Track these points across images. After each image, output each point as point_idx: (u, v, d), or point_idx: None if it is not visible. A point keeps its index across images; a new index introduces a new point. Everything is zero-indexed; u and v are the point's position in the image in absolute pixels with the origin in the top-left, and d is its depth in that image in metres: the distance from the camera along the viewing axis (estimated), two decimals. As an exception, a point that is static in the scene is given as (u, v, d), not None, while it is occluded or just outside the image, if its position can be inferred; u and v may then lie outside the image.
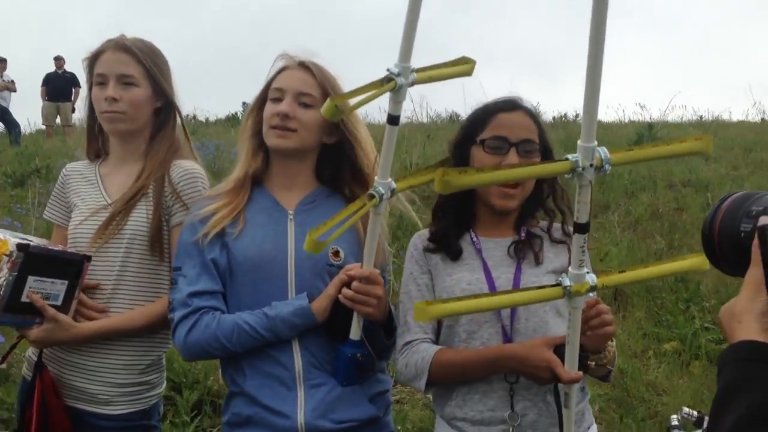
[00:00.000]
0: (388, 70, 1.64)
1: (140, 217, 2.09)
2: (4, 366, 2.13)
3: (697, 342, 4.92)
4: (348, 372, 1.85)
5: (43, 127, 15.24)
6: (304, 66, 1.97)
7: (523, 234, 1.90)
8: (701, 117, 14.97)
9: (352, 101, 1.68)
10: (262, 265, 1.90)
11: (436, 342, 1.88)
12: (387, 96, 1.66)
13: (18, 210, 7.51)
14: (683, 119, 14.57)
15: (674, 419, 1.68)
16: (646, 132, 11.33)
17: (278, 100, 1.93)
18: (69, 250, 2.06)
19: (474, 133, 1.88)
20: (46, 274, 1.96)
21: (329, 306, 1.84)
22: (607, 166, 1.40)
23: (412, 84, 1.67)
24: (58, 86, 14.53)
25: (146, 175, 2.12)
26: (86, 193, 2.19)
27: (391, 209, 1.99)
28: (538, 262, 1.86)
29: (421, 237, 1.95)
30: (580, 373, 1.65)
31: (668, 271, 1.60)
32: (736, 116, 15.78)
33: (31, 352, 2.18)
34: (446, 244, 1.90)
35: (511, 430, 1.76)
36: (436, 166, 1.88)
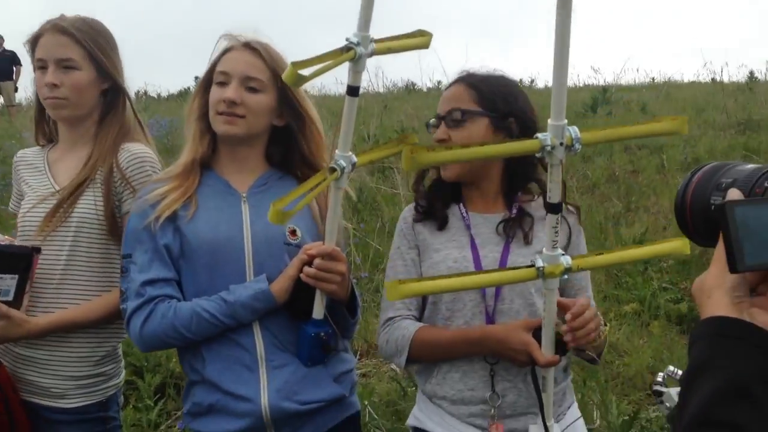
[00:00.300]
0: (347, 39, 1.60)
1: (88, 204, 2.02)
2: None
3: (656, 302, 5.00)
4: (312, 351, 1.83)
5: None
6: (250, 47, 1.89)
7: (514, 211, 1.86)
8: (653, 79, 15.18)
9: (311, 70, 1.62)
10: (219, 248, 1.84)
11: (419, 319, 1.87)
12: (344, 67, 1.63)
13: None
14: (636, 82, 14.76)
15: (659, 376, 1.68)
16: (601, 95, 11.44)
17: (224, 84, 1.86)
18: (17, 243, 1.98)
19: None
20: None
21: (290, 287, 1.80)
22: (577, 145, 1.38)
23: (372, 54, 1.63)
24: (-3, 66, 14.04)
25: (94, 161, 2.05)
26: (34, 180, 2.11)
27: (350, 181, 1.96)
28: (527, 241, 1.83)
29: (410, 210, 1.95)
30: (557, 357, 1.64)
31: (647, 255, 1.58)
32: (688, 77, 16.05)
33: None
34: (431, 213, 1.89)
35: (492, 411, 1.76)
36: (397, 140, 1.86)
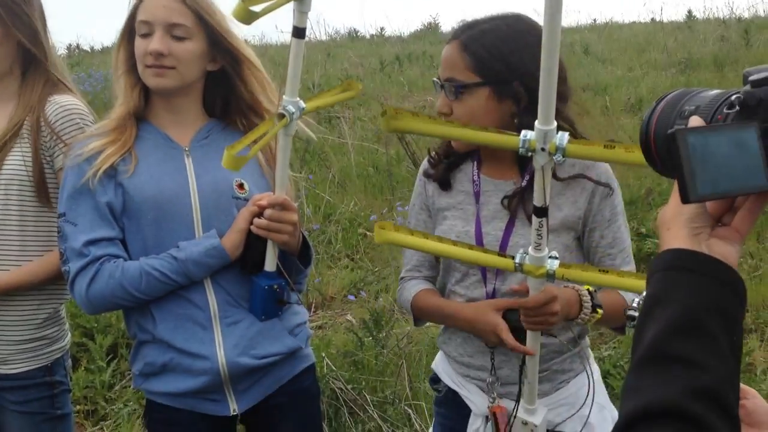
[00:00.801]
0: None
1: (16, 161, 1.91)
2: None
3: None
4: (266, 305, 1.80)
5: None
6: None
7: (524, 181, 1.69)
8: (595, 20, 15.23)
9: (262, 7, 1.55)
10: (164, 203, 1.76)
11: (436, 277, 1.88)
12: (287, 12, 1.57)
13: None
14: (578, 23, 14.78)
15: (634, 302, 1.66)
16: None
17: (147, 35, 1.74)
18: None
19: None
20: None
21: (242, 240, 1.75)
22: (559, 156, 1.31)
23: None
24: None
25: (19, 116, 1.92)
26: None
27: (296, 132, 1.89)
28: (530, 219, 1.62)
29: (425, 162, 1.87)
30: (529, 348, 1.60)
31: (623, 286, 1.52)
32: (629, 18, 16.17)
33: None
34: (436, 172, 1.80)
35: (490, 380, 1.74)
36: (343, 87, 1.80)
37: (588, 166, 1.67)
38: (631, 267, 1.73)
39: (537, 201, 1.42)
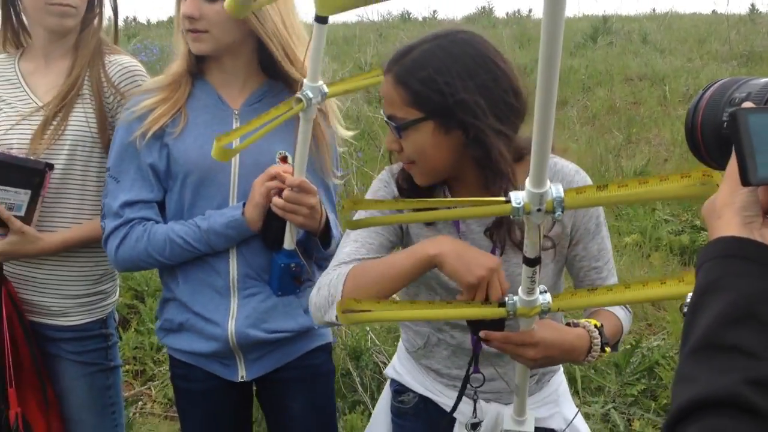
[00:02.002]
0: None
1: (79, 120, 1.92)
2: None
3: (657, 234, 4.99)
4: (282, 281, 1.80)
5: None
6: None
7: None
8: (654, 9, 14.89)
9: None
10: (204, 168, 1.75)
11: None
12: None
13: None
14: (638, 12, 14.46)
15: (690, 296, 1.57)
16: (601, 25, 11.22)
17: None
18: (32, 158, 1.88)
19: None
20: (9, 183, 1.83)
21: (261, 215, 1.73)
22: (558, 212, 1.20)
23: None
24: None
25: (78, 72, 1.93)
26: (9, 94, 1.97)
27: (347, 111, 1.86)
28: (521, 248, 1.41)
29: (392, 173, 1.62)
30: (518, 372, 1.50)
31: (644, 297, 1.36)
32: (690, 8, 15.77)
33: None
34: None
35: (474, 388, 1.61)
36: (370, 72, 1.71)
37: (569, 181, 1.53)
38: (615, 280, 1.61)
39: (529, 253, 1.30)
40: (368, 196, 1.63)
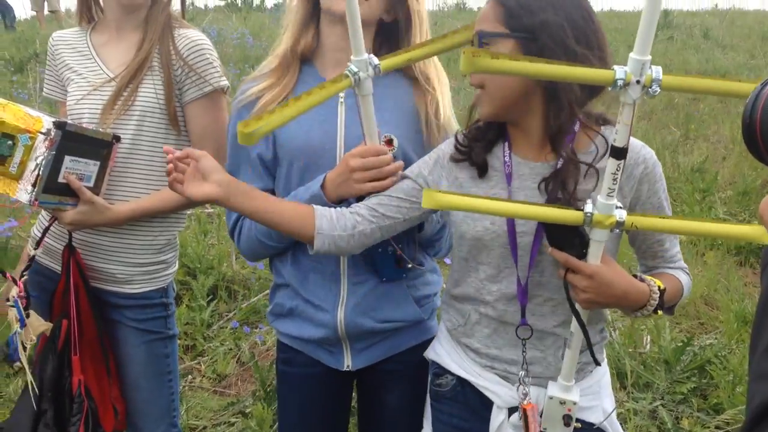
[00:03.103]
0: None
1: (148, 91, 1.96)
2: (39, 251, 2.07)
3: (713, 232, 4.87)
4: (383, 267, 1.77)
5: (35, 13, 14.70)
6: None
7: (560, 162, 1.51)
8: (716, 5, 14.52)
9: None
10: (310, 154, 1.74)
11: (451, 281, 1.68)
12: None
13: (20, 95, 7.34)
14: (700, 8, 14.12)
15: None
16: (662, 19, 10.99)
17: None
18: (101, 130, 1.94)
19: None
20: (80, 155, 1.87)
21: (340, 193, 1.66)
22: (655, 87, 1.20)
23: None
24: (39, -30, 13.88)
25: (148, 45, 1.97)
26: (81, 65, 2.03)
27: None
28: (569, 203, 1.48)
29: (449, 146, 1.64)
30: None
31: (717, 233, 1.42)
32: (753, 5, 15.29)
33: (35, 230, 2.11)
34: (470, 155, 1.59)
35: (522, 374, 1.60)
36: (422, 43, 1.65)
37: (636, 152, 1.53)
38: (678, 250, 1.64)
39: (619, 141, 1.30)
40: (425, 166, 1.64)
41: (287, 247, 1.81)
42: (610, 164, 1.34)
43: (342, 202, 1.69)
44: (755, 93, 0.98)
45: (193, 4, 15.88)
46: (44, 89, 2.17)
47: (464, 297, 1.66)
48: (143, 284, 2.06)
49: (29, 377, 1.95)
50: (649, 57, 1.21)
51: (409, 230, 1.73)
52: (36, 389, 1.94)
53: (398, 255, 1.76)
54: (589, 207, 1.38)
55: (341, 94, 1.73)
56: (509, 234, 1.55)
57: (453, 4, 15.16)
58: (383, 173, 1.62)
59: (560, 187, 1.50)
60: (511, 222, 1.55)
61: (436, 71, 1.80)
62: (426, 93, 1.78)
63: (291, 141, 1.74)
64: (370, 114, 1.62)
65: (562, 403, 1.56)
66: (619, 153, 1.31)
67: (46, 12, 14.03)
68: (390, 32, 1.78)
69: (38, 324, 1.96)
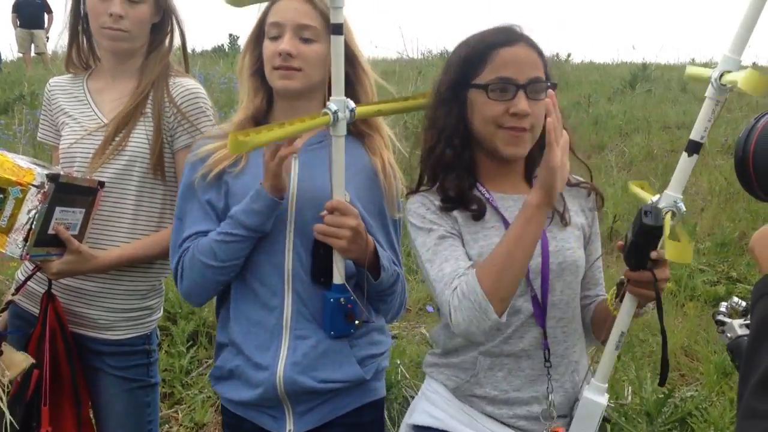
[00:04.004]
0: None
1: (140, 138, 1.98)
2: (17, 298, 2.05)
3: (692, 284, 4.93)
4: (334, 320, 1.73)
5: (21, 54, 14.76)
6: None
7: None
8: (693, 59, 14.85)
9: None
10: None
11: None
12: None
13: (4, 137, 7.32)
14: (678, 61, 14.45)
15: (723, 306, 1.62)
16: (640, 72, 11.24)
17: (277, 37, 1.76)
18: (87, 177, 1.95)
19: (471, 74, 1.59)
20: (69, 204, 1.87)
21: (276, 179, 1.67)
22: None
23: None
24: (29, 13, 13.94)
25: (142, 92, 2.00)
26: (76, 110, 2.06)
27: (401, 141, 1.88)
28: (565, 222, 1.64)
29: (427, 198, 1.63)
30: (623, 314, 1.57)
31: None
32: (729, 60, 15.64)
33: (20, 274, 2.10)
34: (465, 201, 1.60)
35: (547, 409, 1.61)
36: (404, 98, 1.76)
37: (584, 189, 1.73)
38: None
39: (695, 135, 1.52)
40: (411, 213, 1.65)
41: (230, 301, 1.79)
42: (684, 160, 1.52)
43: (313, 259, 1.73)
44: (748, 128, 1.01)
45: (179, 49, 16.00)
46: (39, 133, 2.19)
47: (467, 346, 1.63)
48: (126, 330, 2.04)
49: (7, 416, 1.87)
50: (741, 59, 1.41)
51: (359, 281, 1.75)
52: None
53: (349, 308, 1.73)
54: (665, 203, 1.50)
55: (295, 154, 1.75)
56: None
57: (437, 54, 15.39)
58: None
59: (553, 208, 1.59)
60: None
61: (377, 124, 1.86)
62: (376, 148, 1.84)
63: (244, 192, 1.74)
64: (340, 156, 1.66)
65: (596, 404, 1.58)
66: (697, 147, 1.52)
67: (32, 54, 14.09)
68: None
69: (17, 359, 1.91)
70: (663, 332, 1.55)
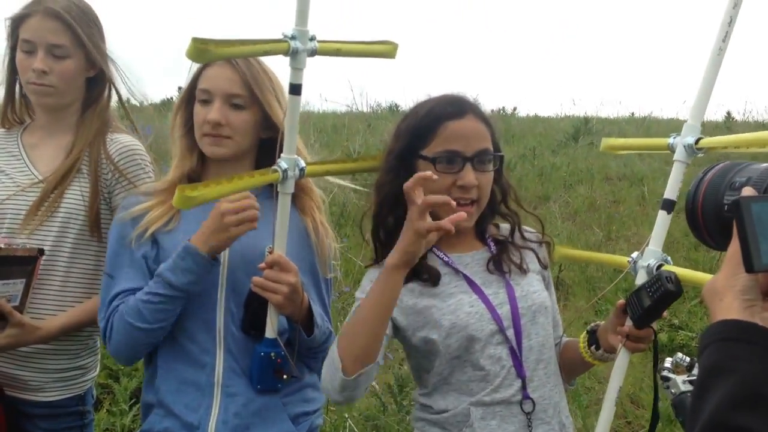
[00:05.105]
0: (282, 33, 1.59)
1: (75, 196, 1.95)
2: None
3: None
4: (262, 374, 1.72)
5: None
6: (230, 63, 1.78)
7: (492, 247, 1.72)
8: (633, 114, 15.35)
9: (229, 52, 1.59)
10: None
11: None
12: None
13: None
14: (619, 115, 14.92)
15: (668, 362, 1.68)
16: (583, 126, 11.56)
17: (207, 102, 1.78)
18: (27, 246, 1.89)
19: (419, 145, 1.63)
20: (8, 276, 1.81)
21: (210, 238, 1.66)
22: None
23: (314, 53, 1.61)
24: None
25: (78, 150, 1.97)
26: (9, 166, 2.01)
27: (333, 197, 1.90)
28: (523, 270, 1.71)
29: (379, 271, 1.58)
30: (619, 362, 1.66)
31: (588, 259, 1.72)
32: (668, 113, 16.25)
33: None
34: (415, 270, 1.59)
35: None
36: (353, 159, 1.83)
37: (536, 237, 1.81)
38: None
39: (668, 194, 1.62)
40: (360, 289, 1.69)
41: (158, 359, 1.77)
42: (661, 217, 1.63)
43: (246, 311, 1.72)
44: (697, 180, 1.06)
45: (128, 101, 15.90)
46: None
47: (456, 401, 1.63)
48: (58, 392, 1.98)
49: None
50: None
51: (291, 338, 1.74)
52: None
53: (279, 363, 1.72)
54: (645, 262, 1.63)
55: None
56: (490, 310, 1.62)
57: (386, 107, 15.60)
58: (252, 216, 1.65)
59: (508, 260, 1.70)
60: (485, 296, 1.63)
61: (308, 186, 1.88)
62: (307, 209, 1.86)
63: (175, 248, 1.71)
64: (285, 212, 1.68)
65: None
66: (671, 205, 1.62)
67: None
68: (268, 149, 1.81)
69: None
70: (655, 383, 1.69)
